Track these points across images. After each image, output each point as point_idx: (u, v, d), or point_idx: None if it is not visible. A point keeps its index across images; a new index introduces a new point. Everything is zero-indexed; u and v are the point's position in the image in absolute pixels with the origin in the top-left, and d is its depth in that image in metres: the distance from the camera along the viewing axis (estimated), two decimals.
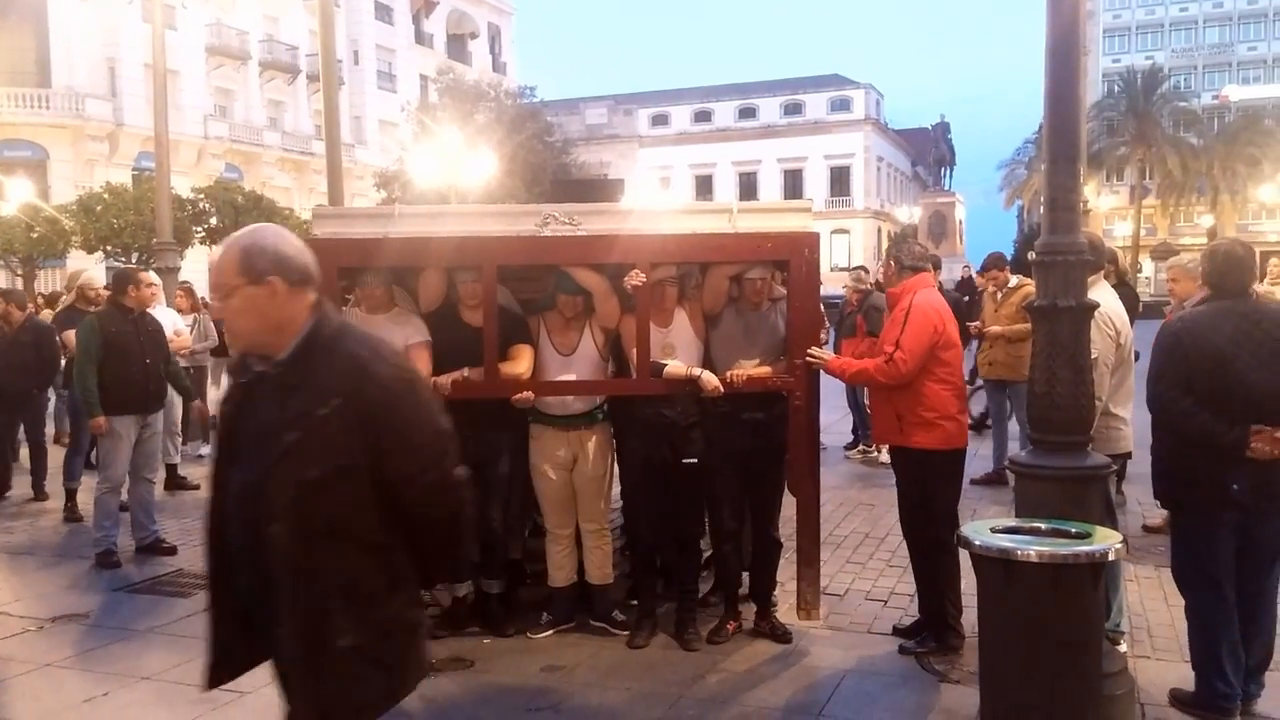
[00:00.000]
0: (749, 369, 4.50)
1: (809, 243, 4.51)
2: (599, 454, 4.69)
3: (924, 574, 4.53)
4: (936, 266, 8.75)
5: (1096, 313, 4.01)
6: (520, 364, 4.56)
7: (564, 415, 4.66)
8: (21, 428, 8.47)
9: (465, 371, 4.49)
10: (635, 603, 4.82)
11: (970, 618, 4.63)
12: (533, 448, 4.72)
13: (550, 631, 4.74)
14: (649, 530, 4.72)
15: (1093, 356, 4.03)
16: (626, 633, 4.68)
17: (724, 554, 4.78)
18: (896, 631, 4.68)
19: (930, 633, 4.46)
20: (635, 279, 4.39)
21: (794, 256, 4.49)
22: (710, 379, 4.42)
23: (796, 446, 4.55)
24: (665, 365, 4.49)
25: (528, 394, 4.51)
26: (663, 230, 4.55)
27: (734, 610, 4.75)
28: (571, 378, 4.63)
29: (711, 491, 4.66)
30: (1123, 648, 4.09)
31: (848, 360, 4.60)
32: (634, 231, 4.53)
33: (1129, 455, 4.47)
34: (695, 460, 4.58)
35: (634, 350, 4.52)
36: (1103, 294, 4.22)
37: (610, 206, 4.84)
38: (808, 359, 4.46)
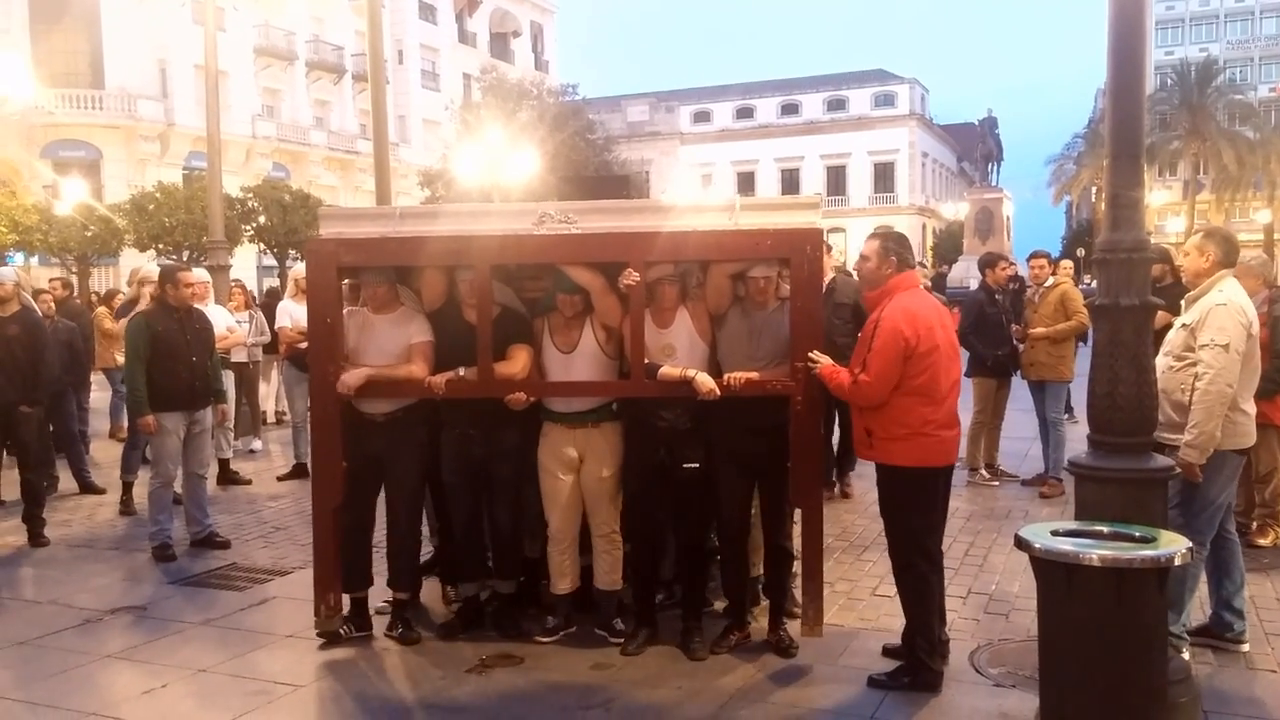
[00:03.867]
0: (749, 372, 4.28)
1: (811, 239, 4.26)
2: (606, 455, 4.54)
3: (904, 599, 4.18)
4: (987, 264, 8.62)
5: (1229, 301, 4.06)
6: (515, 364, 4.48)
7: (569, 413, 4.55)
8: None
9: (460, 370, 4.45)
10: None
11: (1027, 620, 4.57)
12: (541, 445, 4.62)
13: (556, 637, 4.63)
14: (650, 536, 4.61)
15: (1224, 343, 3.99)
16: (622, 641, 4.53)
17: (726, 560, 4.61)
18: (887, 652, 4.35)
19: (905, 667, 4.11)
20: (629, 279, 4.29)
21: (795, 254, 4.24)
22: (704, 382, 4.23)
23: (798, 454, 4.29)
24: (660, 367, 4.35)
25: (519, 394, 4.43)
26: (659, 228, 4.37)
27: (740, 619, 4.55)
28: (572, 377, 4.53)
29: (714, 496, 4.47)
30: (1185, 654, 4.00)
31: (837, 368, 4.17)
32: (628, 229, 4.39)
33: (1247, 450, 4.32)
34: (696, 465, 4.44)
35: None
36: (1231, 286, 4.19)
37: (609, 203, 4.69)
38: (807, 362, 4.21)
